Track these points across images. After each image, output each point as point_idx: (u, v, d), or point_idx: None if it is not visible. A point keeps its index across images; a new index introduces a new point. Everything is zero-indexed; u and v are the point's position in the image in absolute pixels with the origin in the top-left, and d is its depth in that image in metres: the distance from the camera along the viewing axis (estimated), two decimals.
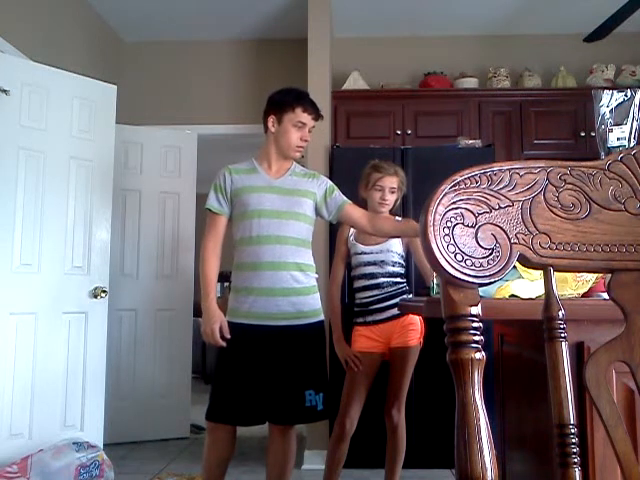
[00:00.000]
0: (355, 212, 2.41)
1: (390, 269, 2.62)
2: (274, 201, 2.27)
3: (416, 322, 2.61)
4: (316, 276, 2.39)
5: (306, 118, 2.33)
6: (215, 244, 2.31)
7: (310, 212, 2.35)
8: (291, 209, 2.28)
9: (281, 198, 2.29)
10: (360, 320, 2.66)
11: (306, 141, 2.36)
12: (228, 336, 2.20)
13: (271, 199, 2.27)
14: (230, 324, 2.24)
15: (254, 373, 2.22)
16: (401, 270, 2.66)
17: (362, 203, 2.69)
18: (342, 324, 2.69)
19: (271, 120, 2.35)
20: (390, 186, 2.62)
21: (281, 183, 2.33)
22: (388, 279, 2.62)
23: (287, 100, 2.33)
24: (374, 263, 2.62)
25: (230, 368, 2.24)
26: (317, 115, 2.37)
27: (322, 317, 2.35)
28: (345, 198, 2.43)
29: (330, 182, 2.45)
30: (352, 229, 2.68)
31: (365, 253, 2.64)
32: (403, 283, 2.66)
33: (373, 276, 2.63)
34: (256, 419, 2.26)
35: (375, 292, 2.62)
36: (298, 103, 2.32)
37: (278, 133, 2.34)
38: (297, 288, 2.26)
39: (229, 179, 2.32)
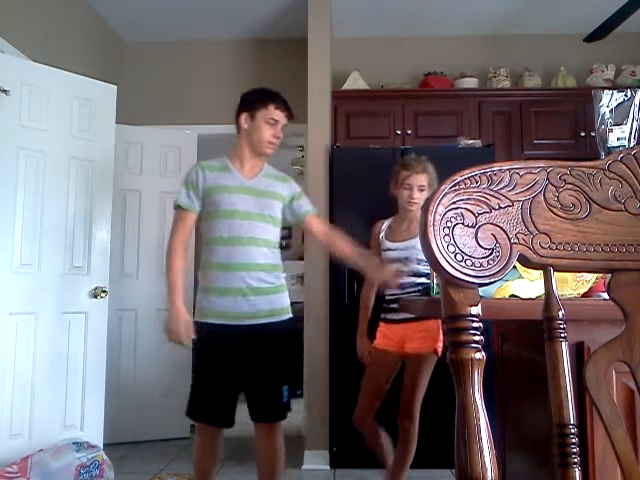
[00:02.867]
0: (315, 225, 2.46)
1: (415, 267, 2.57)
2: (246, 202, 2.29)
3: (433, 329, 2.53)
4: (284, 275, 2.42)
5: (278, 115, 2.36)
6: (183, 240, 2.33)
7: (280, 214, 2.39)
8: (262, 211, 2.31)
9: (253, 199, 2.30)
10: (382, 316, 2.69)
11: (278, 138, 2.38)
12: (193, 336, 2.22)
13: (243, 200, 2.29)
14: (203, 324, 2.26)
15: (231, 373, 2.25)
16: (428, 270, 2.53)
17: (392, 200, 2.70)
18: (367, 322, 2.74)
19: (244, 117, 2.38)
20: (418, 184, 2.57)
21: (254, 184, 2.34)
22: (411, 278, 2.57)
23: (260, 97, 2.38)
24: (398, 260, 2.59)
25: (207, 369, 2.27)
26: (289, 113, 2.40)
27: (291, 314, 2.39)
28: (310, 207, 2.46)
29: (299, 188, 2.49)
30: (384, 225, 2.70)
31: (390, 250, 2.63)
32: (428, 284, 2.52)
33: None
34: (232, 420, 2.30)
35: (396, 291, 2.59)
36: (271, 100, 2.36)
37: (251, 129, 2.36)
38: (268, 288, 2.29)
39: (202, 176, 2.32)
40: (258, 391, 2.27)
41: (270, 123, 2.35)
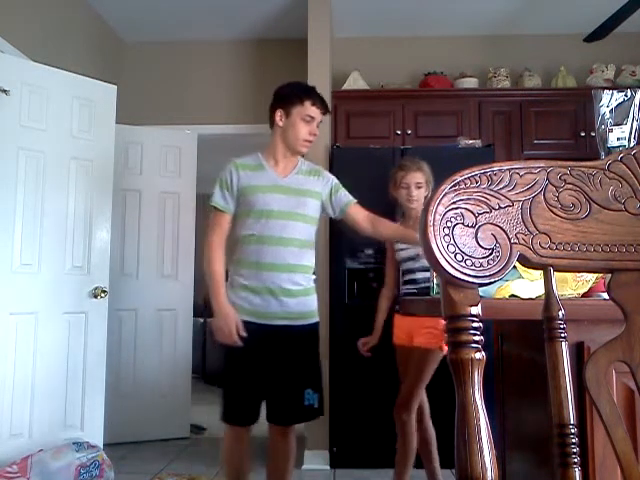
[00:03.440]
0: (359, 213, 2.40)
1: (425, 262, 2.61)
2: (280, 201, 2.25)
3: (440, 326, 2.54)
4: (314, 277, 2.39)
5: (315, 112, 2.30)
6: (220, 241, 2.27)
7: (315, 212, 2.34)
8: (296, 210, 2.26)
9: (287, 198, 2.26)
10: (396, 308, 2.77)
11: (315, 135, 2.32)
12: (244, 334, 2.17)
13: (277, 199, 2.25)
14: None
15: (259, 372, 2.21)
16: None
17: (393, 202, 2.78)
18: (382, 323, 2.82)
19: (279, 114, 2.31)
20: (415, 182, 2.66)
21: (288, 182, 2.30)
22: (424, 273, 2.62)
23: (296, 93, 2.30)
24: (411, 258, 2.66)
25: (237, 367, 2.22)
26: (325, 109, 2.34)
27: (318, 318, 2.37)
28: (350, 197, 2.42)
29: (335, 180, 2.45)
30: None
31: (402, 249, 2.69)
32: None
33: (411, 271, 2.67)
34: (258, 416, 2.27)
35: (410, 286, 2.66)
36: (307, 96, 2.29)
37: (286, 127, 2.30)
38: (298, 290, 2.26)
39: (235, 176, 2.27)
40: (278, 393, 2.24)
41: (306, 120, 2.28)
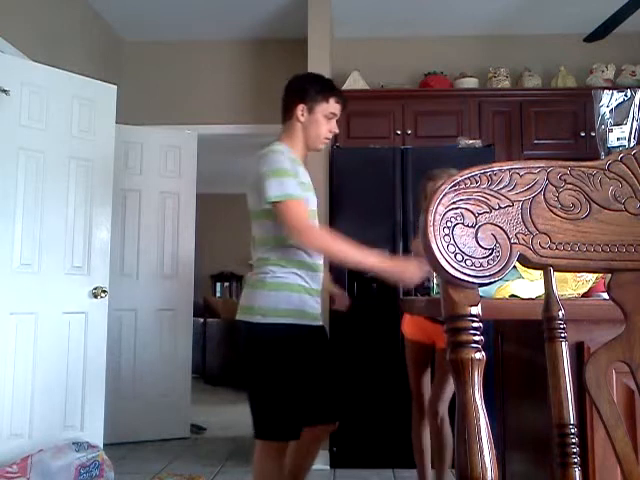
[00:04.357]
0: None
1: None
2: (314, 200, 2.20)
3: None
4: None
5: (338, 109, 2.21)
6: (324, 230, 2.07)
7: None
8: (315, 208, 2.23)
9: (313, 197, 2.21)
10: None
11: (333, 133, 2.24)
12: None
13: (312, 197, 2.19)
14: (295, 326, 2.06)
15: (314, 374, 2.12)
16: None
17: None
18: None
19: (300, 108, 2.17)
20: None
21: (309, 180, 2.23)
22: None
23: (320, 89, 2.19)
24: None
25: (296, 376, 2.04)
26: (345, 105, 2.27)
27: None
28: None
29: None
30: None
31: None
32: None
33: None
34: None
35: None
36: (332, 94, 2.19)
37: (307, 123, 2.18)
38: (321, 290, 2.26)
39: (298, 166, 2.12)
40: (324, 390, 2.17)
41: (329, 117, 2.19)
